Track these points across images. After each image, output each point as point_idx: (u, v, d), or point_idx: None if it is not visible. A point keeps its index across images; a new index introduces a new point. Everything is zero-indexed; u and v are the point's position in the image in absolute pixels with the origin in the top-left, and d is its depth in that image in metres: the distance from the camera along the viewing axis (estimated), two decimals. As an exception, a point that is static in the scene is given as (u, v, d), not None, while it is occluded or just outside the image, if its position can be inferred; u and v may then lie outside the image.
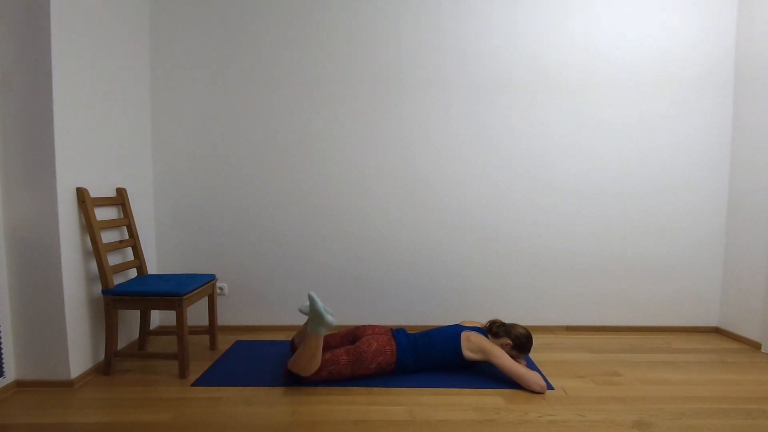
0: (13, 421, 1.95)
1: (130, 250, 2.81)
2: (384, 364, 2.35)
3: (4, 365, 2.18)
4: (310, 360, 2.23)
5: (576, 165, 3.16)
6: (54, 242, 2.20)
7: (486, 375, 2.44)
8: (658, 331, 3.24)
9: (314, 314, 2.19)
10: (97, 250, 2.37)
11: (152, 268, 3.12)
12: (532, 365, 2.59)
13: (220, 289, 3.20)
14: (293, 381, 2.31)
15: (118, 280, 2.62)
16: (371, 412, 2.04)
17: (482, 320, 3.22)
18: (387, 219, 3.19)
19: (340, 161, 3.16)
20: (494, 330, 2.49)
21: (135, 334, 2.92)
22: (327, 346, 2.51)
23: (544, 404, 2.13)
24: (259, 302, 3.22)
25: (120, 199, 2.70)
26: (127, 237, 2.78)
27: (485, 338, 2.41)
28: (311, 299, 2.21)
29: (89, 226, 2.36)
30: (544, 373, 2.48)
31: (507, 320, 3.20)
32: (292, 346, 2.61)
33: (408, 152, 3.15)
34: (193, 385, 2.32)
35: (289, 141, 3.14)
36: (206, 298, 2.96)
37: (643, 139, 3.15)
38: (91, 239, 2.38)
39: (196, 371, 2.49)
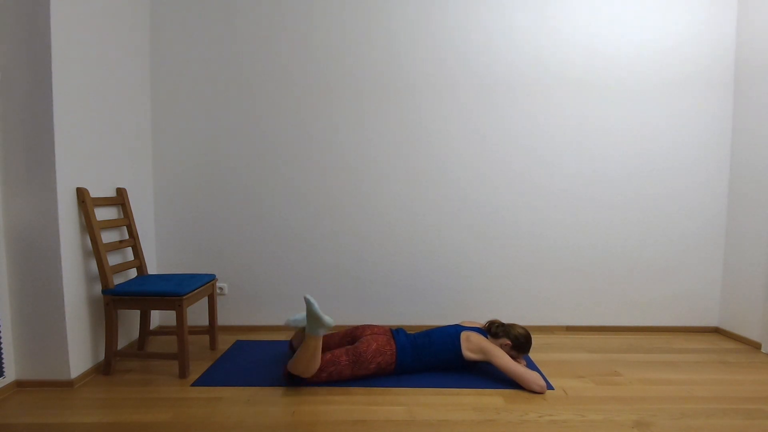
0: (13, 421, 1.95)
1: (130, 250, 2.81)
2: (384, 364, 2.35)
3: (4, 365, 2.19)
4: (310, 361, 2.22)
5: (576, 165, 3.16)
6: (54, 242, 2.21)
7: (486, 375, 2.44)
8: (658, 331, 3.24)
9: (312, 316, 2.16)
10: (97, 250, 2.37)
11: (152, 268, 3.13)
12: (532, 365, 2.59)
13: (220, 289, 3.20)
14: (293, 382, 2.31)
15: (118, 280, 2.62)
16: (371, 412, 2.04)
17: (482, 321, 3.22)
18: (386, 219, 3.19)
19: (340, 162, 3.16)
20: (493, 330, 2.49)
21: (135, 334, 2.92)
22: (326, 347, 2.52)
23: (544, 404, 2.13)
24: (259, 302, 3.22)
25: (120, 199, 2.70)
26: (127, 237, 2.78)
27: (485, 338, 2.41)
28: (308, 302, 2.16)
29: (89, 226, 2.36)
30: (544, 373, 2.48)
31: (507, 320, 3.20)
32: (290, 347, 2.62)
33: (407, 153, 3.15)
34: (193, 385, 2.32)
35: (288, 141, 3.14)
36: (206, 298, 2.96)
37: (644, 139, 3.15)
38: (91, 239, 2.38)
39: (196, 371, 2.49)
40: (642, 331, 3.24)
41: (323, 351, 2.47)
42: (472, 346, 2.39)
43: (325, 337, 2.57)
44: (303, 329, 2.54)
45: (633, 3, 3.09)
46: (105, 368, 2.43)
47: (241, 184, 3.15)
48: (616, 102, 3.13)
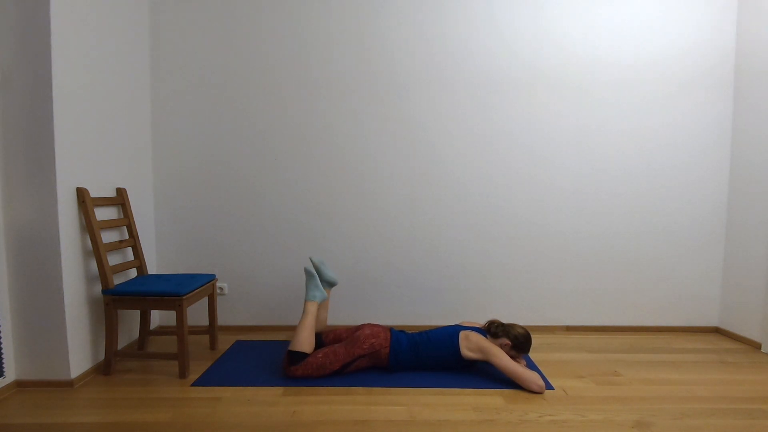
0: (13, 421, 1.95)
1: (130, 250, 2.81)
2: (377, 346, 2.40)
3: (4, 365, 2.18)
4: (307, 329, 2.42)
5: (576, 165, 3.16)
6: (54, 242, 2.20)
7: (486, 375, 2.45)
8: (658, 331, 3.24)
9: (310, 282, 2.57)
10: (97, 250, 2.37)
11: (152, 268, 3.12)
12: (531, 365, 2.59)
13: (220, 289, 3.20)
14: (293, 363, 2.35)
15: (118, 280, 2.62)
16: (371, 412, 2.04)
17: (482, 321, 3.22)
18: (386, 219, 3.19)
19: (340, 161, 3.15)
20: (493, 330, 2.49)
21: (135, 334, 2.92)
22: (326, 343, 2.58)
23: (544, 404, 2.13)
24: (259, 302, 3.22)
25: (120, 199, 2.70)
26: (127, 237, 2.78)
27: (484, 338, 2.42)
28: (308, 273, 2.59)
29: (89, 226, 2.36)
30: (544, 373, 2.48)
31: (507, 320, 3.20)
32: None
33: (406, 153, 3.15)
34: (193, 385, 2.32)
35: (288, 141, 3.14)
36: (206, 298, 2.96)
37: (643, 139, 3.15)
38: (91, 239, 2.38)
39: (196, 371, 2.49)
40: (642, 331, 3.24)
41: (322, 346, 2.54)
42: (471, 345, 2.39)
43: (326, 332, 2.64)
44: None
45: (633, 4, 3.09)
46: (105, 368, 2.43)
47: (241, 183, 3.15)
48: (616, 102, 3.13)
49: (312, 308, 2.51)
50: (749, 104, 3.01)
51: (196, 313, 3.22)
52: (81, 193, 2.35)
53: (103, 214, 2.57)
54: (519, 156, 3.16)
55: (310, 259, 2.72)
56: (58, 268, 2.22)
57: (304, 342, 2.40)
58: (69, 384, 2.27)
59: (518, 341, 2.42)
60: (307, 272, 2.60)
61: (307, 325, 2.45)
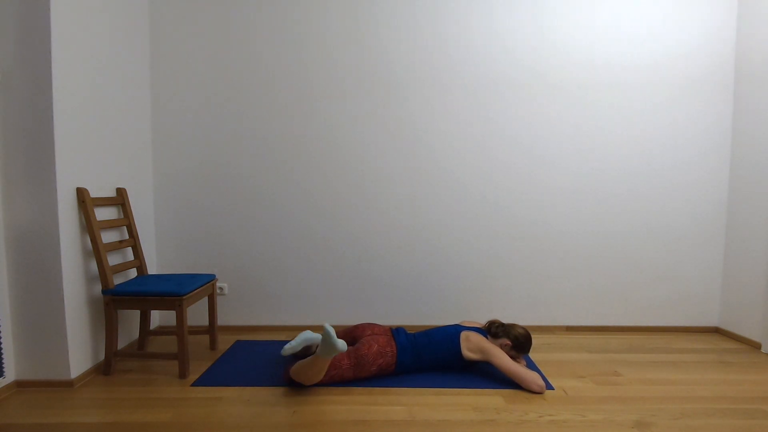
0: (13, 421, 1.95)
1: (130, 250, 2.81)
2: (384, 365, 2.36)
3: (4, 365, 2.18)
4: (315, 376, 2.21)
5: (576, 165, 3.16)
6: (54, 242, 2.20)
7: (486, 375, 2.45)
8: (658, 331, 3.24)
9: (327, 344, 2.13)
10: (97, 250, 2.37)
11: (152, 268, 3.12)
12: (532, 365, 2.59)
13: (220, 289, 3.20)
14: (293, 384, 2.31)
15: (118, 280, 2.62)
16: (371, 412, 2.04)
17: (482, 321, 3.22)
18: (386, 219, 3.19)
19: (340, 162, 3.16)
20: (493, 330, 2.49)
21: (135, 334, 2.92)
22: None
23: (544, 404, 2.13)
24: (259, 302, 3.22)
25: (120, 199, 2.70)
26: (127, 237, 2.78)
27: (485, 338, 2.42)
28: (326, 332, 2.11)
29: (89, 226, 2.36)
30: (544, 373, 2.48)
31: (507, 320, 3.20)
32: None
33: (406, 154, 3.15)
34: (193, 385, 2.32)
35: (288, 141, 3.14)
36: (206, 298, 2.96)
37: (643, 140, 3.15)
38: (91, 239, 2.38)
39: (196, 371, 2.49)
40: (642, 331, 3.24)
41: None
42: (472, 346, 2.39)
43: None
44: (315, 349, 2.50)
45: (633, 4, 3.09)
46: (105, 368, 2.43)
47: (241, 183, 3.15)
48: (616, 102, 3.13)
49: (324, 365, 2.21)
50: (749, 105, 3.01)
51: (196, 313, 3.22)
52: (81, 193, 2.34)
53: (103, 214, 2.57)
54: (519, 156, 3.16)
55: (324, 326, 2.17)
56: (58, 268, 2.22)
57: (311, 380, 2.23)
58: (69, 384, 2.27)
59: (518, 341, 2.42)
60: (326, 333, 2.14)
61: (316, 373, 2.21)
